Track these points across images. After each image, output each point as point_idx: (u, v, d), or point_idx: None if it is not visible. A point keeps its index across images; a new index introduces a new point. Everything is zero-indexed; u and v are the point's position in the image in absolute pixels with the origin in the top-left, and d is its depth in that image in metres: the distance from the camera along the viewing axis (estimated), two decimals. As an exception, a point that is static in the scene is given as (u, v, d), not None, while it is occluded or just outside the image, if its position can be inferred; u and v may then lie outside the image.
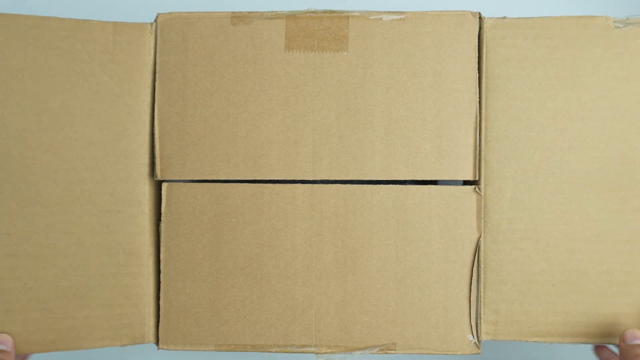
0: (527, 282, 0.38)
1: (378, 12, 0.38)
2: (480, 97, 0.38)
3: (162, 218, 0.39)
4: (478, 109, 0.38)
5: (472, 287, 0.38)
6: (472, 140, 0.38)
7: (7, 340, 0.37)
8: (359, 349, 0.38)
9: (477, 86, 0.38)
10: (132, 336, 0.39)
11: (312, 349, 0.39)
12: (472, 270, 0.38)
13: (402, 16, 0.38)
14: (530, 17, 0.38)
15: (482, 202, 0.38)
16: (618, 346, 0.37)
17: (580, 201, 0.38)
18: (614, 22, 0.37)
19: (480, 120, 0.39)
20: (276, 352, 0.39)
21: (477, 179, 0.38)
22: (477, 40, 0.38)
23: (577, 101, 0.38)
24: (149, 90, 0.40)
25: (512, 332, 0.38)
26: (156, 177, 0.39)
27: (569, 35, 0.38)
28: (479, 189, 0.38)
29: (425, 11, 0.38)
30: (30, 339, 0.38)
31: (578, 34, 0.38)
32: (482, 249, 0.38)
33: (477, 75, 0.38)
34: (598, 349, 0.41)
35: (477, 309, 0.38)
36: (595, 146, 0.38)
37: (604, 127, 0.38)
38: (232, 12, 0.39)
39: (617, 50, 0.37)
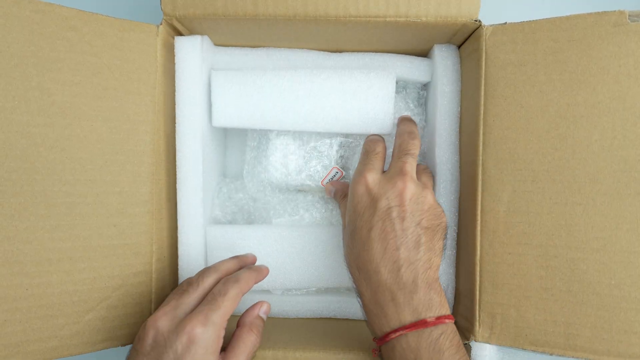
0: (524, 288, 0.37)
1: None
2: (479, 103, 0.38)
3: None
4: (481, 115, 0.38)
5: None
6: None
7: (267, 309, 0.38)
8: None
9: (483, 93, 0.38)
10: (131, 335, 0.38)
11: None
12: None
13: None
14: (533, 20, 0.36)
15: (479, 205, 0.37)
16: None
17: (585, 209, 0.35)
18: (629, 15, 0.34)
19: (478, 126, 0.38)
20: None
21: None
22: None
23: (582, 104, 0.35)
24: (156, 91, 0.40)
25: (508, 338, 0.37)
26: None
27: (574, 35, 0.35)
28: None
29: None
30: (29, 349, 0.34)
31: (585, 33, 0.35)
32: (478, 251, 0.38)
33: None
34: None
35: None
36: (605, 151, 0.34)
37: (615, 130, 0.34)
38: None
39: (632, 46, 0.34)
